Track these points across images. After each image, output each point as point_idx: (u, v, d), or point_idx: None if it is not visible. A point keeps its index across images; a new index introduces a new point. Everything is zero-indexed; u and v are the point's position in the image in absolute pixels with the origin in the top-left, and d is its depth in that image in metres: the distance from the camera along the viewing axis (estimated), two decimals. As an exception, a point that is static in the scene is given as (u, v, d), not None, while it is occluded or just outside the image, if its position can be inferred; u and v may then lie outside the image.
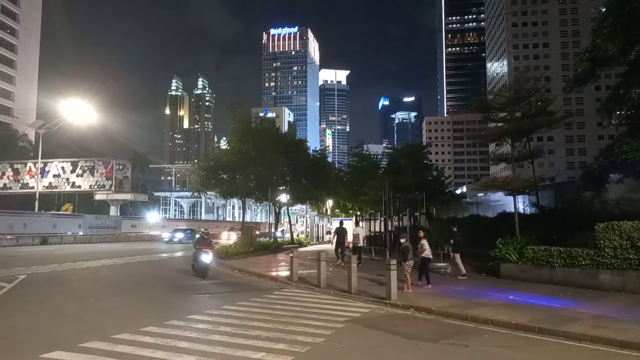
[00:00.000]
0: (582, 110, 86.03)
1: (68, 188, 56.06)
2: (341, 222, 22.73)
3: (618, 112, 16.51)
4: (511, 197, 17.96)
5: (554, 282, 13.35)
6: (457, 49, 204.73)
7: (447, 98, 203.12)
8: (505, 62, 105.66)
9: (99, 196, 56.14)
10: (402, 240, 13.39)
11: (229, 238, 45.38)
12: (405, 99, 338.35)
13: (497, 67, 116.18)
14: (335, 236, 22.16)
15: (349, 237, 22.10)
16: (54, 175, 56.07)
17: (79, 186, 55.87)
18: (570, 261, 13.21)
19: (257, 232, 37.55)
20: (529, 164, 19.87)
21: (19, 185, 56.40)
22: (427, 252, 13.57)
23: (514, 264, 14.60)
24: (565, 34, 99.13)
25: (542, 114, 18.61)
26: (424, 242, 13.73)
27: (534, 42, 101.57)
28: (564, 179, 63.34)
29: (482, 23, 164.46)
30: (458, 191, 65.58)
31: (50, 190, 55.96)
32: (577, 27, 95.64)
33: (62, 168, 56.22)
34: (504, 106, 18.97)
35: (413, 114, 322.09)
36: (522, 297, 11.27)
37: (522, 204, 23.14)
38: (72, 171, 55.82)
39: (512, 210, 17.80)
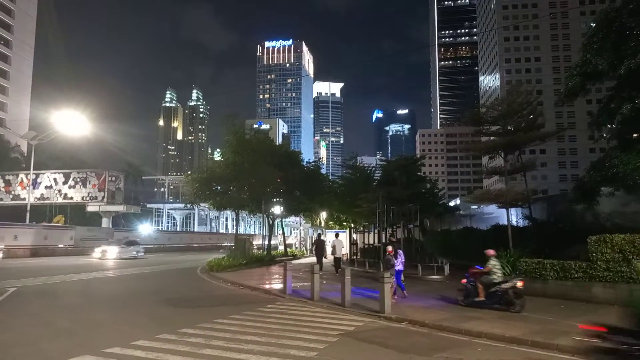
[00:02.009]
0: (573, 123, 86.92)
1: (60, 200, 55.59)
2: (337, 235, 23.76)
3: (609, 126, 16.68)
4: (504, 210, 18.04)
5: (547, 295, 13.36)
6: (450, 62, 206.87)
7: (440, 111, 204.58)
8: (497, 75, 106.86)
9: (91, 208, 55.69)
10: (388, 250, 13.72)
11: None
12: (399, 112, 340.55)
13: (489, 81, 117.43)
14: (315, 247, 23.92)
15: (328, 250, 22.99)
16: (46, 187, 55.61)
17: (71, 198, 55.42)
18: (563, 274, 13.24)
19: (255, 244, 37.18)
20: (521, 176, 20.00)
21: (11, 196, 55.87)
22: (397, 265, 13.61)
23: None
24: (557, 49, 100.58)
25: (534, 128, 18.78)
26: (390, 256, 13.81)
27: (525, 56, 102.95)
28: (557, 191, 63.77)
29: (475, 37, 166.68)
30: (451, 203, 65.81)
31: (42, 201, 55.47)
32: (568, 41, 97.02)
33: (54, 179, 55.80)
34: (496, 119, 19.13)
35: (407, 126, 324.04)
36: (515, 311, 11.24)
37: (515, 217, 23.21)
38: (65, 182, 55.39)
39: (505, 222, 17.87)
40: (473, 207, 40.97)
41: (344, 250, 26.42)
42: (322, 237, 25.08)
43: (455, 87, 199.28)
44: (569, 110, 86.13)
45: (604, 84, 16.66)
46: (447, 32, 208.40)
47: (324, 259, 24.81)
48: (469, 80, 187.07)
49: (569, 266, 13.12)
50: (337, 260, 22.77)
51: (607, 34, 14.26)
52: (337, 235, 25.53)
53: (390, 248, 14.06)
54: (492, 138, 19.97)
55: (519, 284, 11.50)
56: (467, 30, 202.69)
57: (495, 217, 26.21)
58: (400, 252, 14.08)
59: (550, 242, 16.49)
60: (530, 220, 20.22)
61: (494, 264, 12.15)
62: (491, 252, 12.40)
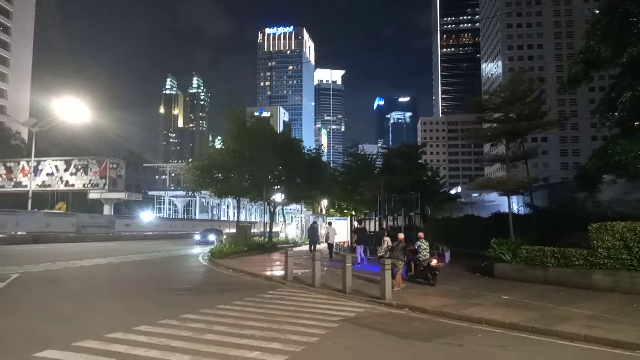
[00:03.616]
0: (576, 111, 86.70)
1: (61, 187, 55.71)
2: (329, 223, 24.71)
3: (611, 114, 16.59)
4: (505, 198, 18.04)
5: (547, 282, 13.43)
6: (452, 49, 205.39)
7: (442, 98, 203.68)
8: (499, 62, 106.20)
9: (92, 195, 55.83)
10: (399, 237, 13.57)
11: None
12: (401, 99, 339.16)
13: (491, 68, 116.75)
14: (308, 233, 26.00)
15: (331, 236, 24.34)
16: (48, 174, 55.71)
17: (73, 185, 55.53)
18: (564, 261, 13.29)
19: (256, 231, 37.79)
20: (523, 164, 19.95)
21: (12, 183, 56.02)
22: (382, 252, 13.83)
23: (508, 264, 14.66)
24: (560, 36, 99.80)
25: (537, 116, 18.69)
26: (383, 244, 14.04)
27: (528, 43, 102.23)
28: (558, 179, 63.76)
29: (477, 24, 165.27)
30: (453, 191, 65.90)
31: (43, 189, 55.59)
32: (572, 28, 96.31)
33: (56, 167, 55.87)
34: (498, 107, 19.03)
35: (408, 114, 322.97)
36: (516, 297, 11.31)
37: (516, 205, 23.24)
38: (66, 170, 55.47)
39: (507, 210, 17.89)
40: (474, 194, 41.10)
41: (339, 238, 27.36)
42: (316, 224, 26.29)
43: (457, 74, 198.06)
44: (572, 97, 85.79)
45: (607, 72, 16.56)
46: (449, 18, 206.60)
47: (318, 245, 25.32)
48: (471, 67, 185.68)
49: (570, 253, 13.16)
50: (330, 247, 23.97)
51: (611, 21, 14.13)
52: (330, 223, 26.11)
53: (401, 235, 14.00)
54: (494, 125, 19.89)
55: (434, 261, 13.40)
56: (469, 17, 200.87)
57: (496, 205, 26.32)
58: (387, 239, 14.11)
59: (551, 230, 16.56)
60: (531, 208, 20.25)
61: (419, 244, 13.99)
62: (421, 234, 14.47)
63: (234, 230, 37.96)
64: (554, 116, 20.26)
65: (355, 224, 29.15)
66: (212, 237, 39.25)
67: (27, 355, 6.20)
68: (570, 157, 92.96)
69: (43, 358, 6.12)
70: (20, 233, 36.57)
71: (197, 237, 42.33)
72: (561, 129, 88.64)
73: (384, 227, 26.83)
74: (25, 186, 50.97)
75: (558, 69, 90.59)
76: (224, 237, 39.39)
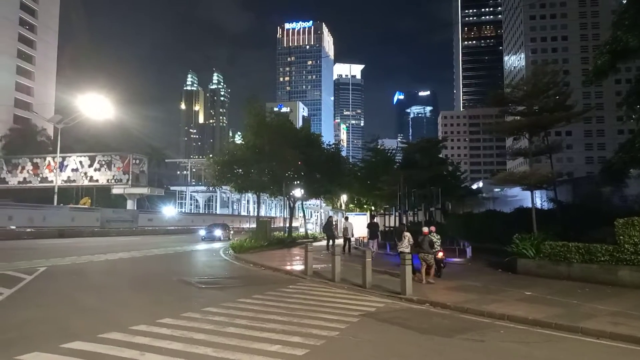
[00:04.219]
0: (601, 104, 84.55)
1: (86, 182, 56.89)
2: (346, 218, 25.06)
3: (639, 106, 16.16)
4: (528, 192, 17.74)
5: (571, 278, 13.18)
6: (474, 42, 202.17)
7: (463, 92, 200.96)
8: (522, 55, 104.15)
9: (116, 190, 56.90)
10: (424, 231, 13.67)
11: None
12: (421, 93, 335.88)
13: (514, 61, 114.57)
14: (325, 228, 26.14)
15: (340, 231, 24.18)
16: (72, 170, 56.92)
17: (97, 180, 56.65)
18: (589, 257, 13.02)
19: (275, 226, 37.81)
20: (546, 158, 19.59)
21: (39, 179, 57.43)
22: (403, 248, 13.58)
23: (531, 259, 14.44)
24: (585, 27, 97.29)
25: (561, 108, 18.31)
26: (404, 240, 13.79)
27: (552, 35, 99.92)
28: (583, 174, 62.44)
29: (500, 16, 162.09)
30: (474, 186, 65.10)
31: (68, 184, 56.85)
32: (597, 19, 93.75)
33: (80, 162, 57.05)
34: (521, 100, 18.69)
35: (428, 108, 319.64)
36: (539, 293, 11.14)
37: (539, 199, 22.88)
38: (90, 165, 56.61)
39: (529, 205, 17.60)
40: (496, 189, 40.52)
41: (358, 233, 27.85)
42: (333, 220, 26.66)
43: (479, 67, 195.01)
44: (597, 90, 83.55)
45: (634, 63, 16.13)
46: (470, 10, 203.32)
47: (337, 240, 25.40)
48: (493, 60, 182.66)
49: (595, 249, 12.89)
50: (346, 241, 24.05)
51: (639, 10, 13.73)
52: (346, 218, 26.37)
53: (425, 229, 13.92)
54: (516, 119, 19.56)
55: (440, 254, 13.75)
56: (491, 9, 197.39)
57: (519, 200, 25.94)
58: (408, 234, 13.95)
59: (575, 225, 16.23)
60: (555, 203, 19.91)
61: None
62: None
63: (254, 225, 38.23)
64: (578, 109, 19.77)
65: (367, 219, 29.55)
66: (218, 232, 37.44)
67: (55, 345, 6.36)
68: (595, 151, 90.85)
69: (71, 349, 6.27)
70: (47, 226, 37.50)
71: (202, 232, 38.54)
72: (586, 122, 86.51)
73: (404, 222, 26.79)
74: (51, 182, 52.20)
75: (583, 60, 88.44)
76: (232, 232, 39.25)
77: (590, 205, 18.98)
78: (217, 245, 30.88)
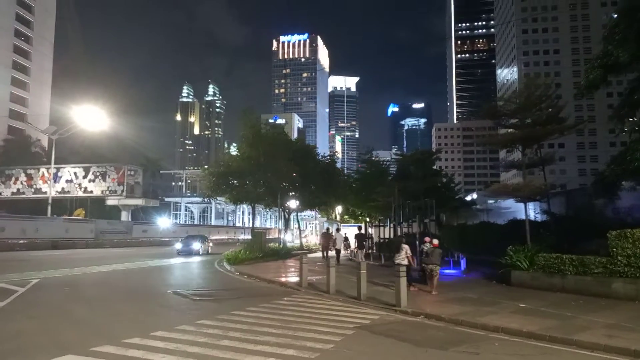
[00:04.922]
0: (593, 116, 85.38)
1: (80, 193, 56.65)
2: (337, 229, 26.35)
3: (630, 119, 16.35)
4: (522, 204, 17.82)
5: (565, 290, 13.21)
6: (467, 55, 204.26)
7: (456, 105, 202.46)
8: (515, 68, 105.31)
9: (110, 201, 56.67)
10: (434, 243, 14.04)
11: None
12: (415, 106, 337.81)
13: (507, 74, 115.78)
14: (321, 239, 27.53)
15: (338, 242, 25.64)
16: (67, 181, 56.69)
17: (91, 191, 56.43)
18: (583, 269, 13.07)
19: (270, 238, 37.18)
20: (539, 170, 19.71)
21: (32, 190, 57.11)
22: (400, 260, 13.73)
23: (525, 271, 14.47)
24: (577, 40, 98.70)
25: (554, 121, 18.48)
26: (402, 252, 13.91)
27: (544, 48, 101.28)
28: (576, 186, 62.89)
29: (492, 29, 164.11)
30: (468, 198, 65.24)
31: (62, 195, 56.57)
32: (588, 33, 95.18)
33: (75, 173, 56.85)
34: (514, 113, 18.85)
35: (422, 120, 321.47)
36: (533, 305, 11.16)
37: (533, 211, 22.93)
38: (85, 176, 56.41)
39: (523, 217, 17.66)
40: (490, 201, 40.59)
41: (353, 244, 28.37)
42: (330, 231, 27.47)
43: (472, 80, 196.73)
44: (589, 103, 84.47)
45: (626, 76, 16.33)
46: (463, 24, 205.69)
47: (330, 252, 25.84)
48: (486, 73, 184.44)
49: (589, 261, 12.94)
50: (337, 252, 25.22)
51: (629, 25, 13.95)
52: (337, 230, 26.93)
53: (436, 241, 14.15)
54: (509, 131, 19.72)
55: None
56: (484, 23, 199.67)
57: (512, 212, 25.97)
58: (406, 246, 14.03)
59: (569, 237, 16.29)
60: (548, 215, 19.97)
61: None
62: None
63: (249, 237, 38.04)
64: (571, 122, 19.97)
65: (353, 230, 30.61)
66: (196, 245, 32.96)
67: (47, 359, 6.30)
68: (588, 163, 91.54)
69: (63, 362, 6.22)
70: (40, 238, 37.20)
71: (178, 245, 33.04)
72: (579, 135, 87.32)
73: (401, 234, 26.94)
74: (45, 193, 51.91)
75: (575, 74, 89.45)
76: (211, 244, 36.99)
77: (583, 217, 19.05)
78: (211, 256, 30.69)
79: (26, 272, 17.37)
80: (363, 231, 28.54)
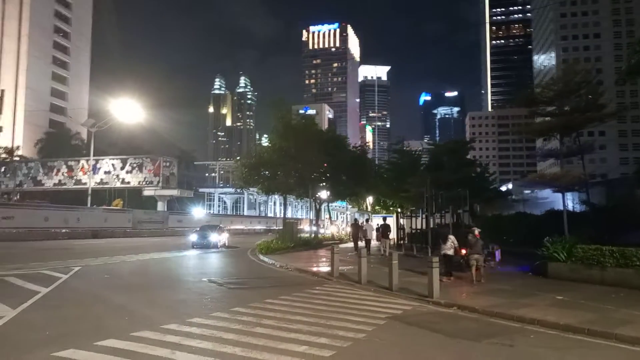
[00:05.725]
0: (636, 103, 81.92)
1: (118, 184, 58.47)
2: (367, 220, 26.24)
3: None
4: (559, 195, 17.34)
5: (605, 283, 12.82)
6: (502, 41, 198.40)
7: (491, 92, 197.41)
8: (553, 54, 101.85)
9: (147, 192, 58.27)
10: (450, 236, 14.26)
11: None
12: (447, 94, 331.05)
13: (544, 60, 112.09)
14: (351, 230, 27.96)
15: (369, 233, 25.52)
16: (105, 172, 58.59)
17: (128, 182, 58.15)
18: (624, 261, 12.63)
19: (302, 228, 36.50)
20: (578, 159, 19.08)
21: (73, 181, 59.33)
22: (447, 250, 14.08)
23: (563, 263, 14.10)
24: (619, 23, 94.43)
25: (593, 108, 17.83)
26: (448, 242, 14.19)
27: (584, 32, 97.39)
28: (617, 175, 60.52)
29: (529, 14, 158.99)
30: (503, 188, 63.92)
31: (101, 186, 58.50)
32: (632, 16, 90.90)
33: (113, 165, 58.69)
34: (552, 100, 18.27)
35: (455, 109, 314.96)
36: (571, 298, 10.89)
37: (571, 202, 22.28)
38: (122, 168, 58.16)
39: (561, 208, 17.18)
40: (526, 191, 39.68)
41: (374, 234, 28.28)
42: (359, 222, 27.72)
43: (508, 67, 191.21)
44: (632, 89, 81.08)
45: (672, 60, 15.59)
46: (498, 9, 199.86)
47: (360, 242, 25.85)
48: (522, 60, 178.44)
49: (630, 253, 12.49)
50: (367, 242, 25.10)
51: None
52: (367, 220, 26.95)
53: (477, 231, 14.10)
54: (547, 119, 19.14)
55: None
56: (520, 7, 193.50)
57: (550, 202, 25.29)
58: (452, 237, 14.18)
59: (609, 228, 15.77)
60: (587, 206, 19.35)
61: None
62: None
63: (280, 227, 38.44)
64: (612, 108, 19.22)
65: (380, 221, 30.35)
66: (214, 237, 29.34)
67: (90, 343, 6.57)
68: (630, 151, 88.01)
69: (105, 347, 6.47)
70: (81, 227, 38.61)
71: (194, 237, 29.10)
72: (620, 122, 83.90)
73: (440, 224, 26.90)
74: (85, 184, 53.76)
75: (617, 58, 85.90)
76: (227, 235, 32.46)
77: (624, 208, 18.36)
78: (244, 245, 31.05)
79: (69, 260, 18.11)
80: (388, 222, 28.76)
